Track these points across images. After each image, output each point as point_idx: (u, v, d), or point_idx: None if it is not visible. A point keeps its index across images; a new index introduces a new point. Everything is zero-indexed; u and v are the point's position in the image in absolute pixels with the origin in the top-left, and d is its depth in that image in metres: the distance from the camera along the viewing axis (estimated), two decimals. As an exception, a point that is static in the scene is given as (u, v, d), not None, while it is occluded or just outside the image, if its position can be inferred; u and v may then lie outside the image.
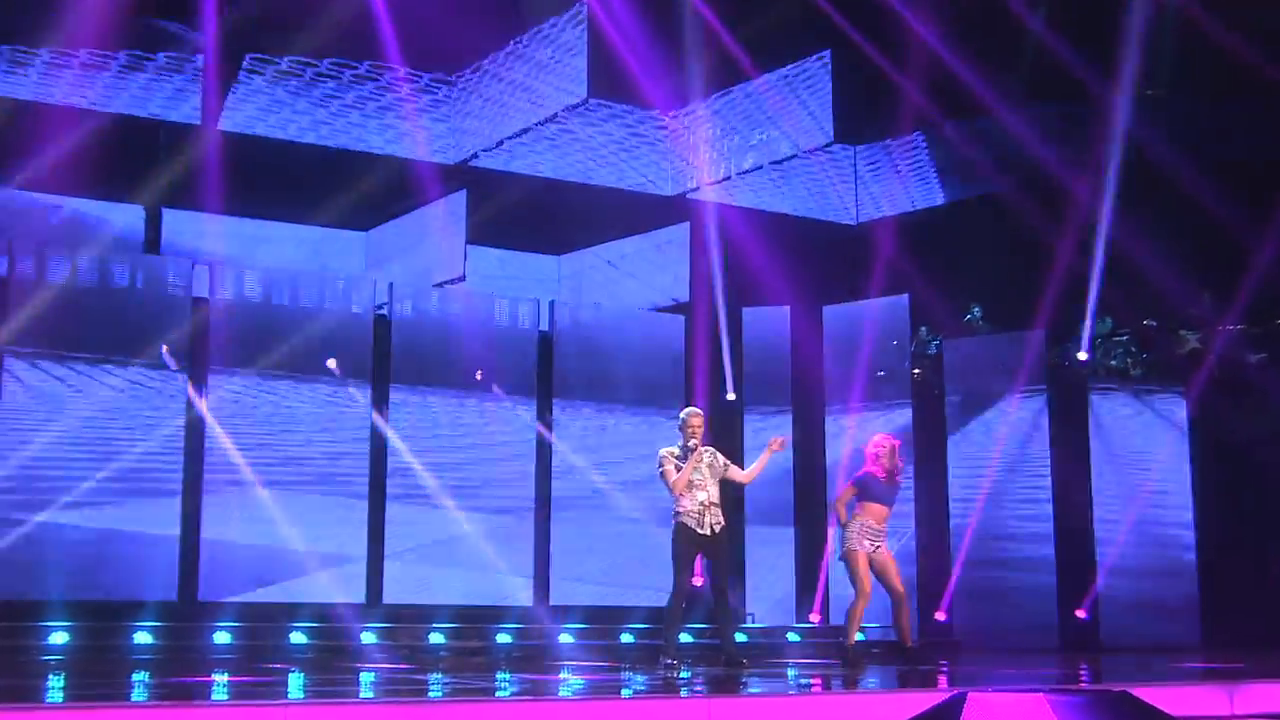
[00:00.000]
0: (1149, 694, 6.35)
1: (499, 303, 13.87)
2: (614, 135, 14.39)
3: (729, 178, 15.19)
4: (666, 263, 15.12)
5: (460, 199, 13.77)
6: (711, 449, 9.44)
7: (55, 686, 8.25)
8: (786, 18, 13.67)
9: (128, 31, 12.40)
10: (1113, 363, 14.95)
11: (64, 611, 11.17)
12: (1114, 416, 14.49)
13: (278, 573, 12.34)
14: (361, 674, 9.69)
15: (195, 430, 12.21)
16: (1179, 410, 14.47)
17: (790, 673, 9.99)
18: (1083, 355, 14.56)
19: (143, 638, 11.11)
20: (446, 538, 13.01)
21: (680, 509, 9.23)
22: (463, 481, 13.22)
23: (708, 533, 9.21)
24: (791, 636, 13.28)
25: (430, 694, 7.89)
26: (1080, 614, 13.79)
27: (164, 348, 12.13)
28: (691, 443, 9.24)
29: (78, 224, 13.19)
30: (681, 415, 9.49)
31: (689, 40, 13.58)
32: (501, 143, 14.19)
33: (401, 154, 14.34)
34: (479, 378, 13.42)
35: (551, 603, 13.23)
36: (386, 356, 13.16)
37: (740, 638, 11.41)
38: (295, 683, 8.79)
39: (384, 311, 13.33)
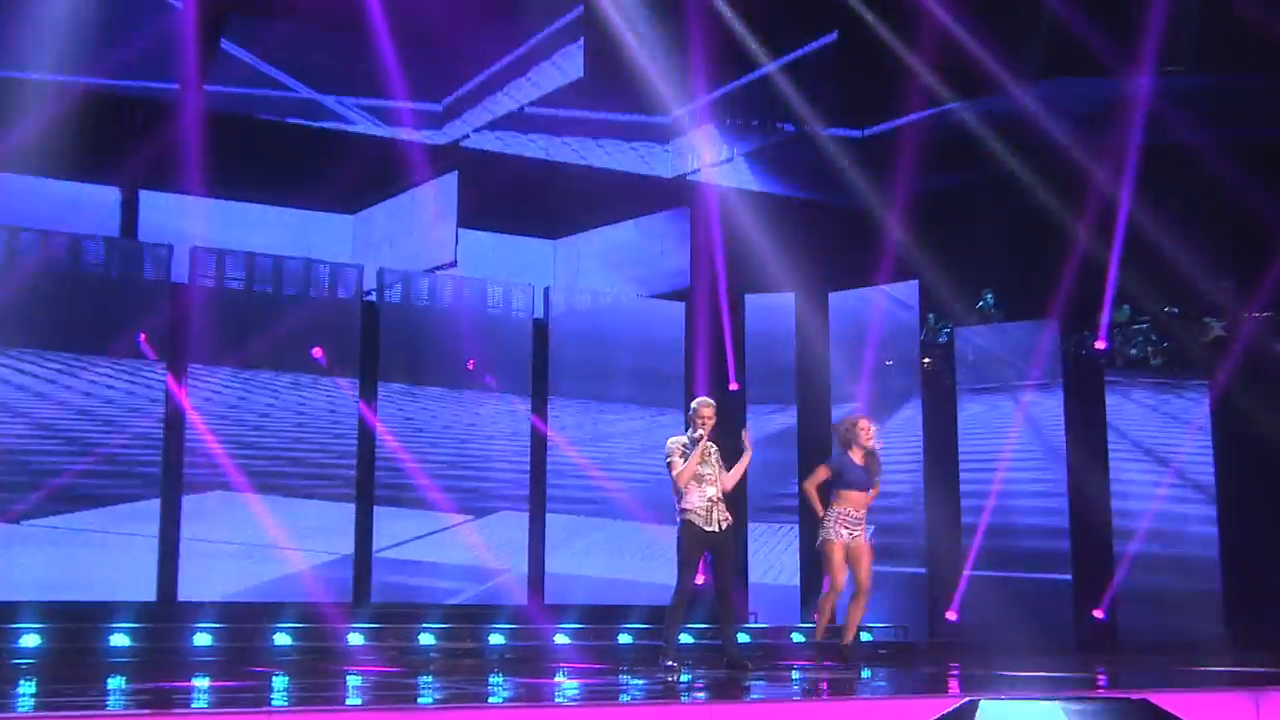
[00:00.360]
0: (1170, 701, 6.32)
1: (492, 289, 13.82)
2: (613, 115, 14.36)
3: (731, 159, 15.12)
4: (666, 247, 15.05)
5: (451, 181, 13.69)
6: (713, 445, 9.36)
7: (26, 693, 8.20)
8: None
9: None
10: (1132, 352, 14.89)
11: (36, 613, 11.12)
12: (1133, 408, 14.43)
13: (261, 571, 12.30)
14: (348, 677, 9.65)
15: (174, 423, 12.16)
16: (1201, 402, 14.42)
17: (794, 675, 9.95)
18: (1100, 344, 14.49)
19: (119, 640, 11.09)
20: (437, 533, 12.97)
21: (687, 505, 9.14)
22: (453, 474, 13.18)
23: (715, 530, 9.13)
24: (796, 637, 13.25)
25: (420, 700, 7.84)
26: (1098, 614, 13.76)
27: (141, 337, 12.06)
28: (699, 433, 9.15)
29: (48, 206, 13.08)
30: (693, 405, 9.35)
31: (691, 23, 13.55)
32: (495, 121, 14.13)
33: (390, 134, 14.27)
34: (471, 367, 13.37)
35: (546, 601, 13.19)
36: (375, 345, 13.11)
37: (743, 638, 11.38)
38: (279, 687, 8.75)
39: (372, 298, 13.27)
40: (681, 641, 9.61)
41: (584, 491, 13.68)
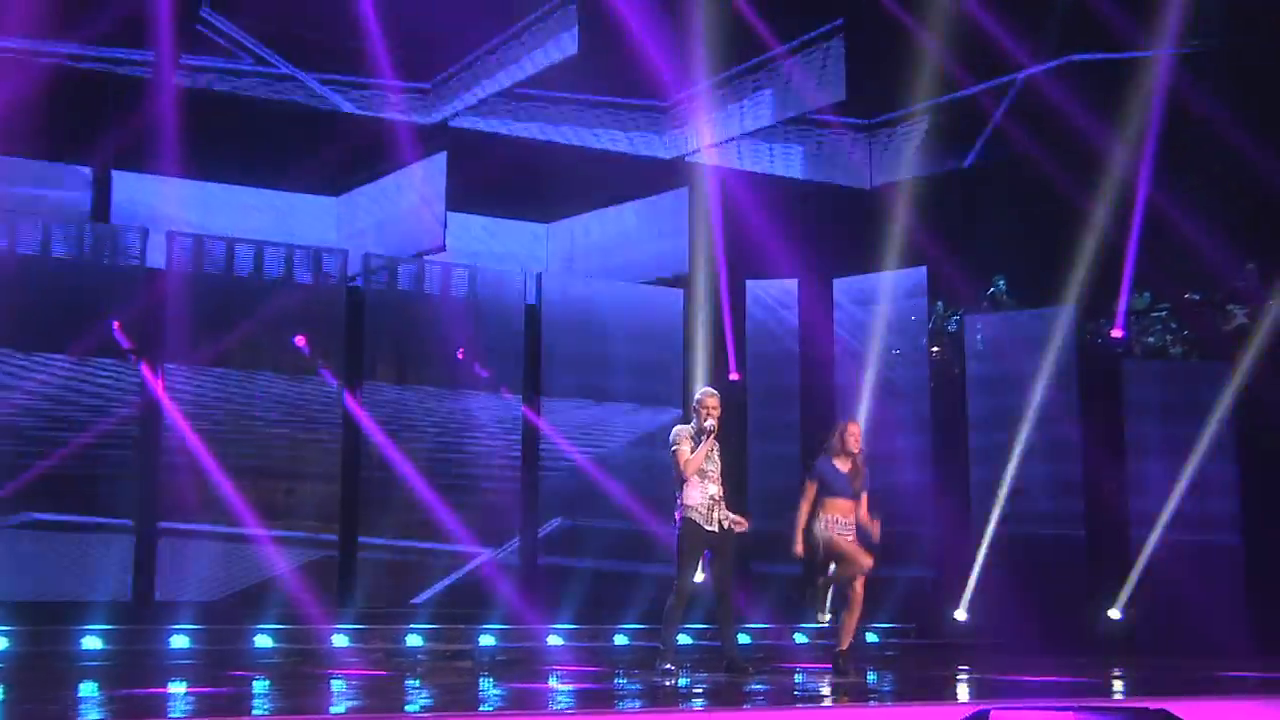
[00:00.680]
0: (1191, 710, 6.24)
1: (483, 274, 13.74)
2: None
3: (732, 139, 15.04)
4: (664, 231, 14.96)
5: (440, 162, 13.58)
6: (716, 443, 9.29)
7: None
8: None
9: None
10: (1150, 340, 14.83)
11: (3, 614, 11.03)
12: (1151, 399, 14.36)
13: (241, 569, 12.24)
14: (332, 682, 9.58)
15: (150, 414, 12.07)
16: (1223, 392, 14.32)
17: (797, 678, 9.90)
18: (1117, 332, 14.42)
19: (92, 643, 11.02)
20: (425, 525, 12.90)
21: (688, 503, 9.09)
22: (441, 466, 13.11)
23: (716, 529, 9.13)
24: (798, 638, 13.20)
25: (406, 707, 7.78)
26: (1114, 614, 13.71)
27: (115, 324, 11.97)
28: (709, 423, 9.10)
29: (13, 187, 12.96)
30: (697, 395, 9.35)
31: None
32: (486, 100, 14.04)
33: (376, 112, 14.17)
34: (460, 356, 13.30)
35: (538, 600, 13.14)
36: (359, 332, 13.03)
37: (743, 639, 11.33)
38: (260, 693, 8.68)
39: (357, 284, 13.18)
40: (680, 642, 9.56)
41: (579, 482, 13.61)
